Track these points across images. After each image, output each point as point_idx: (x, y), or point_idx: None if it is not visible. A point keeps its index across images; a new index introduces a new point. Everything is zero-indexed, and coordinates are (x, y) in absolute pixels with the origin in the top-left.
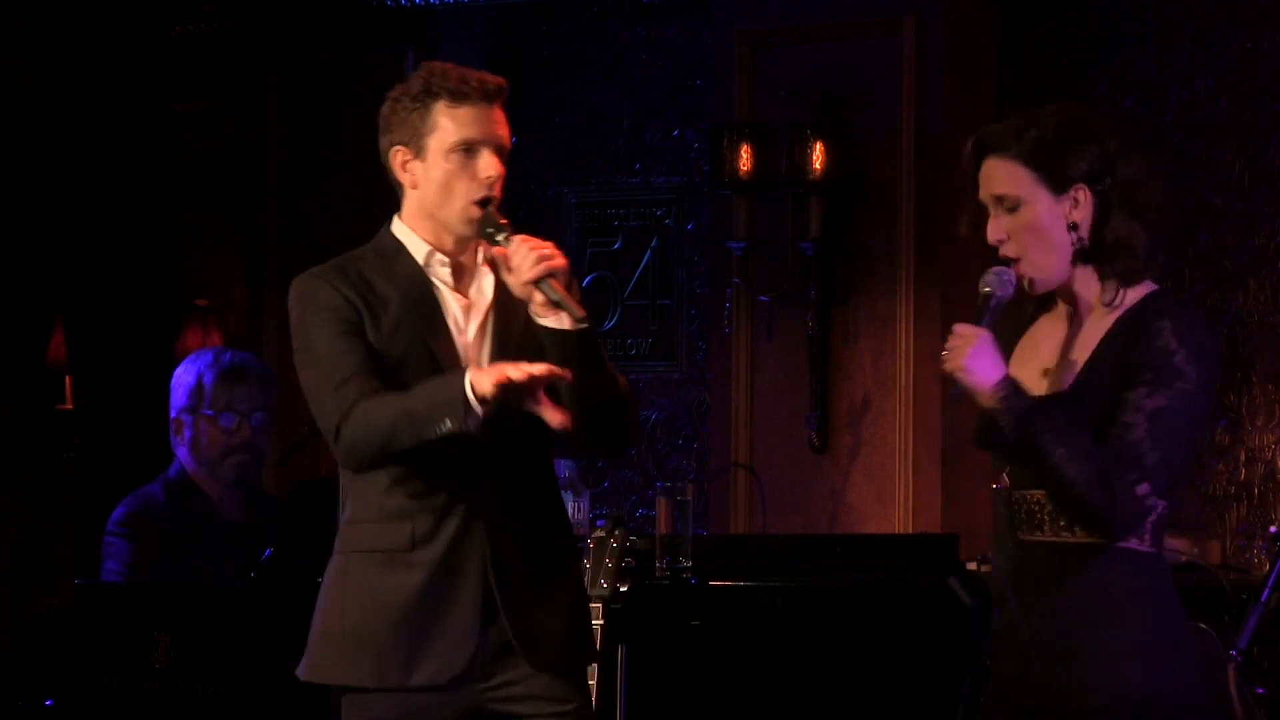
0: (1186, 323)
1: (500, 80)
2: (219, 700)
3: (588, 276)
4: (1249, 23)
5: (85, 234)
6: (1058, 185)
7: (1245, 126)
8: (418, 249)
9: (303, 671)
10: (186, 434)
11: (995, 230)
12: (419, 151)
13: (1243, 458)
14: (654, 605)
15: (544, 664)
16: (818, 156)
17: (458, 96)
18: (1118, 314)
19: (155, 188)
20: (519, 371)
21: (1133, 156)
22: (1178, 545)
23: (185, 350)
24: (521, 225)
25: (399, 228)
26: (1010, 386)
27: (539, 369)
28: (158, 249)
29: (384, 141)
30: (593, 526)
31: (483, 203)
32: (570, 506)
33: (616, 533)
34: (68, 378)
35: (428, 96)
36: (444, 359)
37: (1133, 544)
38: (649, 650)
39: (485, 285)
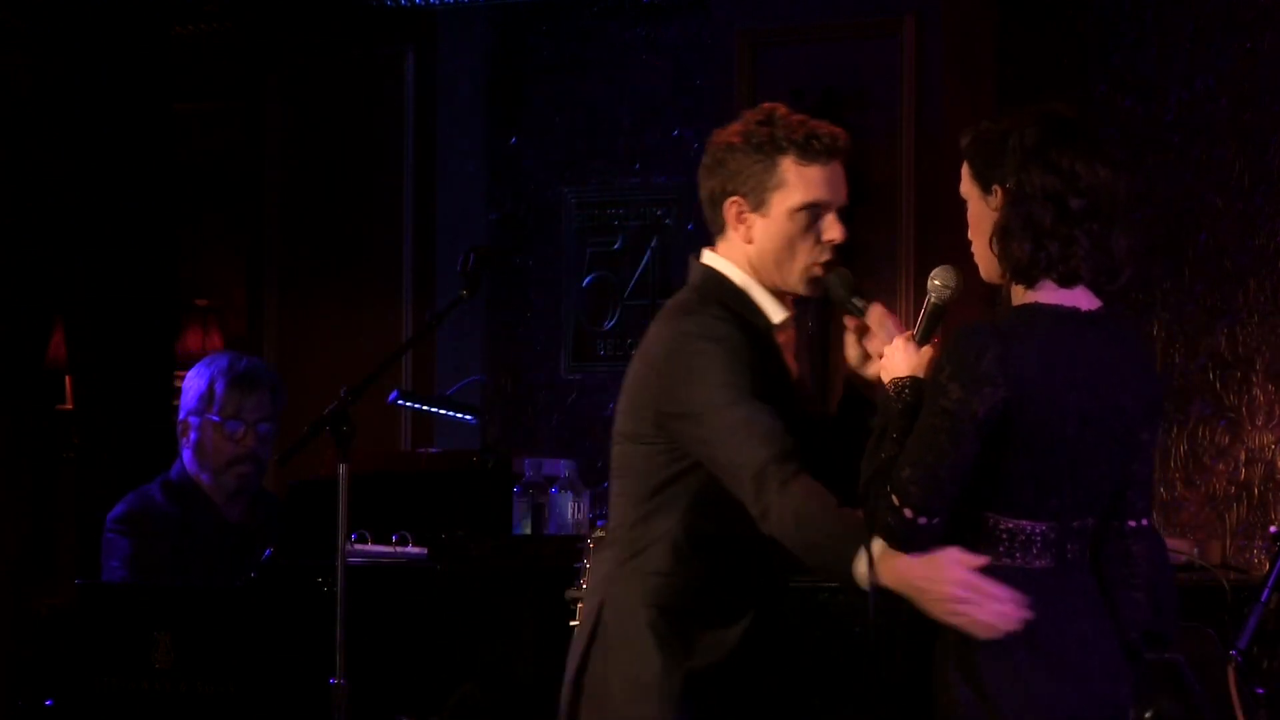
0: (966, 339)
1: (844, 134)
2: (219, 700)
3: (588, 276)
4: (1249, 23)
5: (85, 234)
6: (984, 184)
7: (1245, 126)
8: (766, 303)
9: None
10: (192, 436)
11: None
12: (759, 206)
13: (1243, 458)
14: None
15: None
16: None
17: (807, 154)
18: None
19: (155, 188)
20: (934, 587)
21: (1059, 162)
22: (1178, 545)
23: (185, 350)
24: (522, 225)
25: (738, 276)
26: (895, 388)
27: (953, 588)
28: (158, 249)
29: (714, 184)
30: (593, 526)
31: (828, 265)
32: (570, 506)
33: None
34: (68, 378)
35: (774, 149)
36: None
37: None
38: None
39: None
